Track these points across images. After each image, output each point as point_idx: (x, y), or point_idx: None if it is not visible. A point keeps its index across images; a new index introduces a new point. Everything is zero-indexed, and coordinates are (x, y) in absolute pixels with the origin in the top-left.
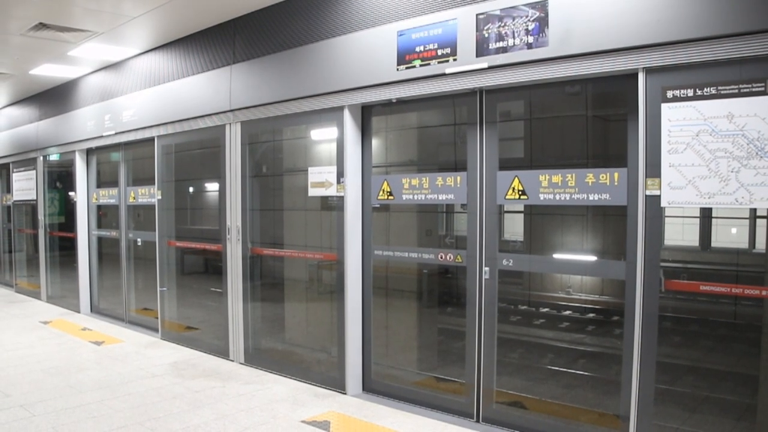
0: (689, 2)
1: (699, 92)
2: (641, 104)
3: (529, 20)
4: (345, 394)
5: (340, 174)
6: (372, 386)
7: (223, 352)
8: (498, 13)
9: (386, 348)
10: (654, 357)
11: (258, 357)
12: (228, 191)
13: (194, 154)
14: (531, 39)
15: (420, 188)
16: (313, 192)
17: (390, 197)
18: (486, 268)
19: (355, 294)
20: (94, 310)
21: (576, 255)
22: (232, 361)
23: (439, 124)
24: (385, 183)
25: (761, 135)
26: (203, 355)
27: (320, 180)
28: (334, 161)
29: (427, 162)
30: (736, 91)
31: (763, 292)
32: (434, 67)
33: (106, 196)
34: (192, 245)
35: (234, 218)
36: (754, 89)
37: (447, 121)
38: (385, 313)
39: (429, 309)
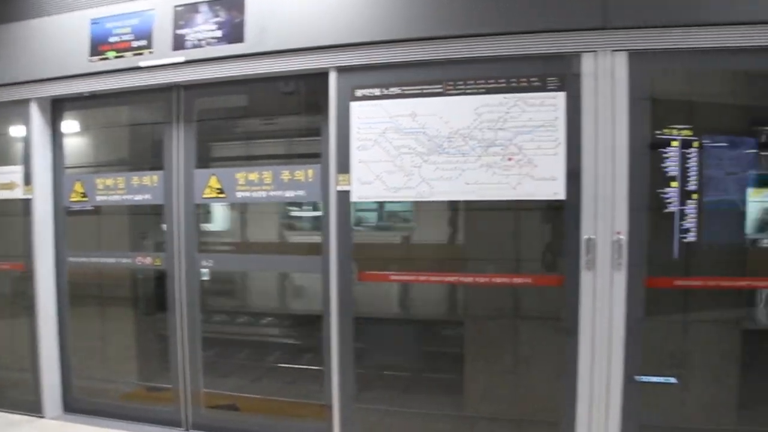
0: (380, 7)
1: (385, 92)
2: (332, 102)
3: (226, 16)
4: (43, 417)
5: (28, 174)
6: (75, 405)
7: None
8: (196, 6)
9: (95, 361)
10: (351, 345)
11: None
12: None
13: None
14: (228, 34)
15: (115, 189)
16: None
17: (84, 198)
18: (185, 269)
19: (48, 306)
20: None
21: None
22: None
23: (143, 122)
24: (78, 184)
25: (439, 133)
26: None
27: (6, 181)
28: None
29: (137, 161)
30: (419, 91)
31: (446, 279)
32: (129, 60)
33: None
34: None
35: None
36: (433, 90)
37: (154, 118)
38: (98, 323)
39: (144, 316)
